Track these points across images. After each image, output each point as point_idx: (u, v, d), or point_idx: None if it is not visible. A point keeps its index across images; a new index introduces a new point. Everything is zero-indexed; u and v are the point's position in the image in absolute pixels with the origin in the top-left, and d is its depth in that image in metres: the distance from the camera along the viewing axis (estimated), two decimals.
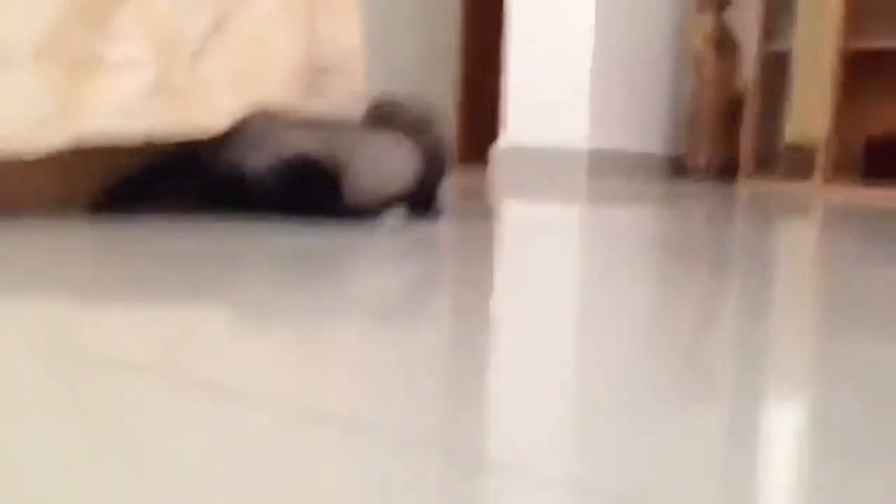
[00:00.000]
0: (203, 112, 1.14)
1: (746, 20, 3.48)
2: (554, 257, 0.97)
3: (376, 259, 0.87)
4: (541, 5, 3.44)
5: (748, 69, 3.45)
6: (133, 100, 1.07)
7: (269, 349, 0.47)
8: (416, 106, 1.34)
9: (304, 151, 1.13)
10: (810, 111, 3.22)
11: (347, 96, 1.30)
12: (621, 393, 0.40)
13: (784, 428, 0.37)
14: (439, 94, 5.01)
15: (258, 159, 1.12)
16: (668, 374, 0.45)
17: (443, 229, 1.17)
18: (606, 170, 3.43)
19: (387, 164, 1.23)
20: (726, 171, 3.68)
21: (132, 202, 1.10)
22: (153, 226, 1.01)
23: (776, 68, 3.33)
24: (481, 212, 1.62)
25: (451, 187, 2.28)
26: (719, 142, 3.71)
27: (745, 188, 3.27)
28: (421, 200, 1.30)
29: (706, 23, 3.62)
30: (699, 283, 0.83)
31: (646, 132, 3.76)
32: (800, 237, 1.45)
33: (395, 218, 1.25)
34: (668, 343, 0.53)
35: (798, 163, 3.30)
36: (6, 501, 0.26)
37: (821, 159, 3.12)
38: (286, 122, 1.19)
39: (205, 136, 1.14)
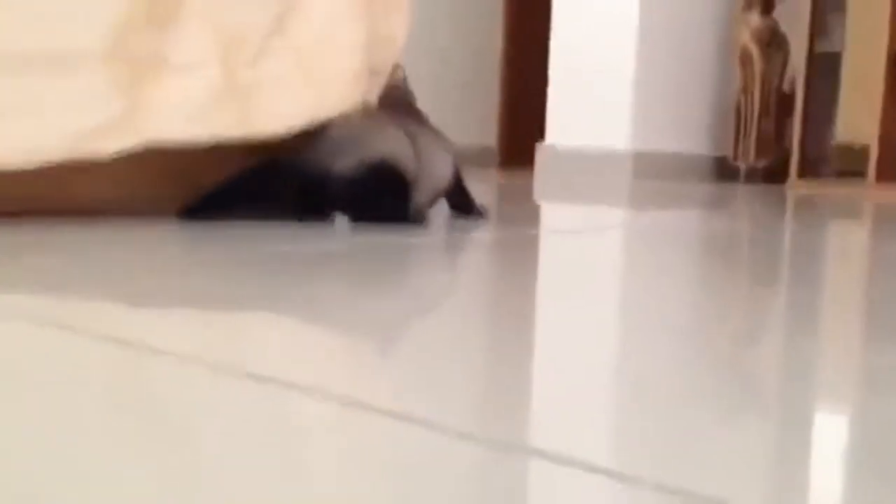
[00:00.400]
0: (267, 112, 1.15)
1: (795, 19, 3.43)
2: (598, 261, 0.96)
3: (425, 257, 0.88)
4: (585, 5, 3.43)
5: (797, 68, 3.40)
6: (198, 101, 1.08)
7: (321, 344, 0.48)
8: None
9: (389, 158, 1.12)
10: (860, 111, 3.16)
11: (374, 99, 1.31)
12: (664, 391, 0.40)
13: (827, 432, 0.36)
14: (483, 94, 5.01)
15: (344, 165, 1.11)
16: (712, 375, 0.44)
17: (487, 231, 1.17)
18: (651, 172, 3.40)
19: (438, 163, 1.24)
20: (774, 172, 3.63)
21: (221, 209, 1.11)
22: (228, 231, 1.03)
23: (825, 68, 3.28)
24: (525, 214, 1.62)
25: (494, 188, 2.28)
26: (767, 142, 3.65)
27: (794, 190, 3.22)
28: (457, 197, 1.31)
29: (753, 21, 3.58)
30: (745, 289, 0.82)
31: (691, 133, 3.72)
32: (850, 241, 1.42)
33: (443, 218, 1.25)
34: (712, 349, 0.52)
35: (848, 164, 3.25)
36: (60, 481, 0.27)
37: (872, 160, 3.06)
38: (375, 125, 1.17)
39: (270, 136, 1.14)
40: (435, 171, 1.22)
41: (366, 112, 1.22)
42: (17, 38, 0.96)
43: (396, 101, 1.29)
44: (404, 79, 1.34)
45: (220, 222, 1.07)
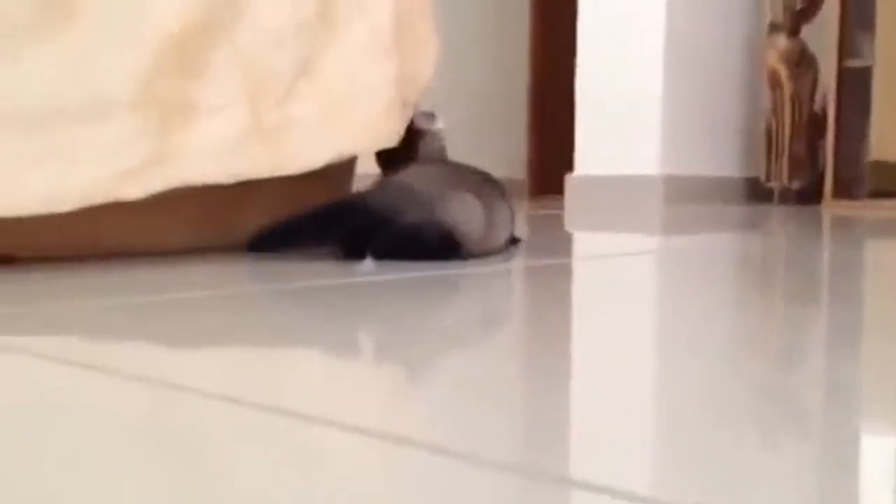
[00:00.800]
0: (295, 151, 1.17)
1: (823, 37, 3.41)
2: (634, 286, 0.95)
3: (460, 288, 0.88)
4: (610, 31, 3.44)
5: (827, 86, 3.37)
6: (226, 142, 1.10)
7: (357, 378, 0.47)
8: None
9: (450, 224, 1.10)
10: (894, 127, 3.12)
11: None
12: (704, 417, 0.39)
13: (872, 455, 0.35)
14: (511, 127, 5.03)
15: (407, 220, 1.10)
16: (753, 399, 0.43)
17: (522, 261, 1.17)
18: (683, 196, 3.38)
19: (502, 229, 1.24)
20: (808, 192, 3.59)
21: (284, 245, 1.13)
22: (260, 267, 1.03)
23: (856, 84, 3.25)
24: (557, 243, 1.61)
25: (525, 219, 2.28)
26: (800, 163, 3.62)
27: (829, 209, 3.18)
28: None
29: (781, 42, 3.56)
30: (785, 311, 0.81)
31: (722, 155, 3.70)
32: (890, 261, 1.40)
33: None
34: (752, 372, 0.51)
35: (884, 181, 3.20)
36: None
37: None
38: (451, 182, 1.16)
39: (297, 174, 1.16)
40: (499, 236, 1.22)
41: (444, 162, 1.22)
42: (52, 89, 0.98)
43: (433, 153, 1.30)
44: (440, 135, 1.35)
45: (272, 255, 1.10)
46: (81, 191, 0.98)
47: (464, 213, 1.13)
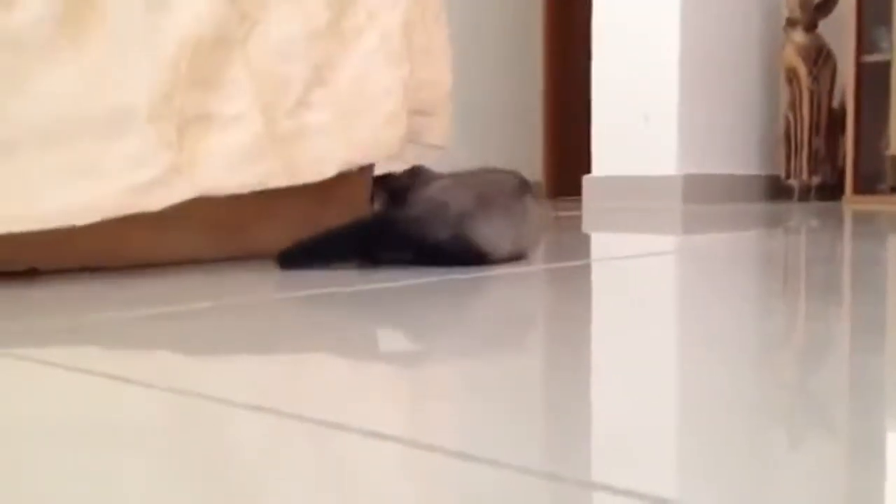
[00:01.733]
0: (308, 160, 1.18)
1: (840, 32, 3.38)
2: (654, 287, 0.95)
3: (481, 291, 0.88)
4: (626, 32, 3.43)
5: (846, 81, 3.35)
6: (241, 152, 1.11)
7: (381, 385, 0.48)
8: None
9: (481, 245, 1.11)
10: None
11: (439, 141, 1.31)
12: (729, 419, 0.39)
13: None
14: (526, 128, 5.03)
15: (438, 237, 1.10)
16: (779, 399, 0.43)
17: (543, 264, 1.16)
18: (702, 195, 3.36)
19: (531, 237, 1.23)
20: (828, 188, 3.56)
21: (314, 261, 1.13)
22: (283, 276, 1.04)
23: (875, 80, 3.22)
24: (576, 244, 1.61)
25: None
26: (819, 158, 3.59)
27: (850, 205, 3.15)
28: None
29: (798, 38, 3.53)
30: (807, 310, 0.80)
31: (740, 153, 3.68)
32: None
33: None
34: (777, 372, 0.51)
35: None
36: None
37: None
38: (485, 197, 1.15)
39: (311, 182, 1.17)
40: (528, 244, 1.22)
41: (478, 173, 1.22)
42: (72, 104, 0.99)
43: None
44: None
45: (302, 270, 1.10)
46: (102, 203, 0.99)
47: (491, 233, 1.12)
